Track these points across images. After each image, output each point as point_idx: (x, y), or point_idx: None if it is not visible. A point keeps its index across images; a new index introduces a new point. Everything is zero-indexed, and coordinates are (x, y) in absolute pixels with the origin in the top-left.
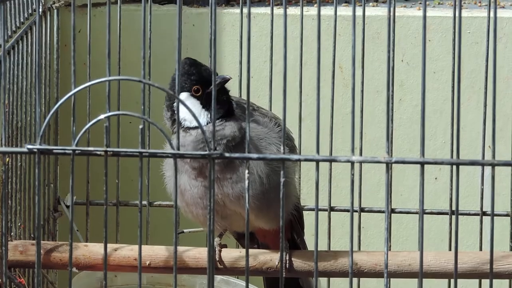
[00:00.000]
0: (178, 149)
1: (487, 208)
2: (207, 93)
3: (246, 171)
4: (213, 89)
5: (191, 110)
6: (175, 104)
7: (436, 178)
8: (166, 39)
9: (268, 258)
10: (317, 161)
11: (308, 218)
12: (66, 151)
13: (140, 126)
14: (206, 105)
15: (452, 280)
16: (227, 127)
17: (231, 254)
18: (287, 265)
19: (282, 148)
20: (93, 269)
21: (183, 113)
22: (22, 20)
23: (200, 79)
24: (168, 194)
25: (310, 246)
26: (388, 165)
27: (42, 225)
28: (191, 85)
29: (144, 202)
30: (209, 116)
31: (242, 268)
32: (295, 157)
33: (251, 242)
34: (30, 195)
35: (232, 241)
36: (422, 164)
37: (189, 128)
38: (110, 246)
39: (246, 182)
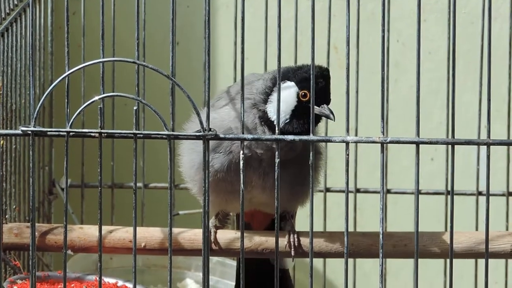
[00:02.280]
0: (173, 129)
1: (483, 188)
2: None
3: (241, 152)
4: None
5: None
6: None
7: (432, 159)
8: (160, 21)
9: (263, 239)
10: (312, 142)
11: None
12: (61, 133)
13: (134, 108)
14: (297, 112)
15: (448, 260)
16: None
17: (227, 235)
18: (295, 245)
19: (276, 128)
20: (88, 251)
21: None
22: (15, 2)
23: (317, 92)
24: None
25: (306, 227)
26: (383, 145)
27: (37, 208)
28: (305, 88)
29: (139, 184)
30: (288, 121)
31: (237, 250)
32: (289, 137)
33: (225, 219)
34: (25, 177)
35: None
36: (417, 144)
37: (268, 121)
38: (105, 228)
39: (241, 163)
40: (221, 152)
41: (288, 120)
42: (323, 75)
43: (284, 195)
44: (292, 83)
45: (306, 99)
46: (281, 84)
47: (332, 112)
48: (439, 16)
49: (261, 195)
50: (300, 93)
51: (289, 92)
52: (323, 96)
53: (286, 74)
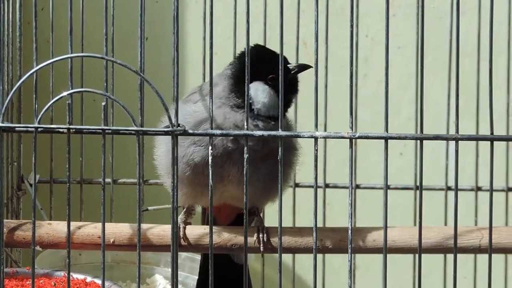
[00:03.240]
0: (142, 125)
1: (452, 183)
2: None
3: (210, 147)
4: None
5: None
6: (251, 91)
7: (401, 154)
8: (129, 16)
9: (232, 235)
10: (281, 137)
11: None
12: (29, 129)
13: (103, 103)
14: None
15: (417, 255)
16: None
17: (196, 231)
18: (264, 241)
19: (245, 124)
20: (56, 247)
21: (260, 97)
22: None
23: (274, 68)
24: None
25: (274, 222)
26: (352, 141)
27: (5, 204)
28: (266, 73)
29: (108, 180)
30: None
31: (206, 245)
32: (258, 133)
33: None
34: None
35: (196, 218)
36: (386, 139)
37: (261, 116)
38: (74, 224)
39: (210, 158)
40: (202, 146)
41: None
42: (259, 50)
43: (258, 190)
44: (257, 82)
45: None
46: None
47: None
48: (407, 11)
49: (236, 189)
50: (267, 81)
51: (262, 89)
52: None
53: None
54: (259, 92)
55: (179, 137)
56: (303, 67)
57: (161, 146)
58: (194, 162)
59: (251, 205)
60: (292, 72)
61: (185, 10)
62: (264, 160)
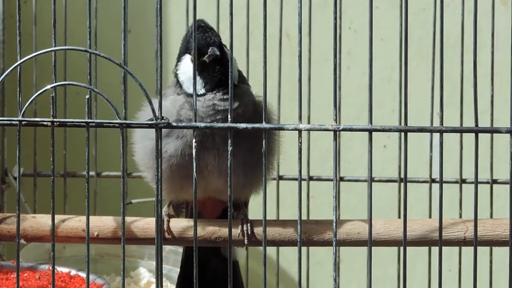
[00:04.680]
0: (126, 118)
1: (436, 175)
2: (201, 61)
3: (194, 140)
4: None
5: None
6: (178, 67)
7: (384, 146)
8: (112, 9)
9: (216, 228)
10: (265, 130)
11: None
12: (13, 122)
13: (87, 96)
14: (201, 73)
15: (402, 248)
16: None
17: (180, 224)
18: (249, 234)
19: (229, 116)
20: (41, 240)
21: (185, 77)
22: None
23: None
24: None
25: (259, 215)
26: (336, 133)
27: None
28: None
29: (92, 173)
30: (203, 84)
31: (190, 238)
32: (242, 125)
33: (179, 208)
34: None
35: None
36: (370, 131)
37: (189, 95)
38: (58, 217)
39: (194, 151)
40: (173, 137)
41: (202, 85)
42: (199, 27)
43: (240, 181)
44: (187, 54)
45: (202, 58)
46: (181, 60)
47: (215, 51)
48: (391, 3)
49: (217, 180)
50: (191, 57)
51: (188, 64)
52: (206, 44)
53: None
54: (189, 73)
55: (150, 130)
56: (212, 53)
57: (138, 141)
58: (168, 154)
59: (235, 198)
60: (205, 57)
61: (168, 3)
62: (239, 146)
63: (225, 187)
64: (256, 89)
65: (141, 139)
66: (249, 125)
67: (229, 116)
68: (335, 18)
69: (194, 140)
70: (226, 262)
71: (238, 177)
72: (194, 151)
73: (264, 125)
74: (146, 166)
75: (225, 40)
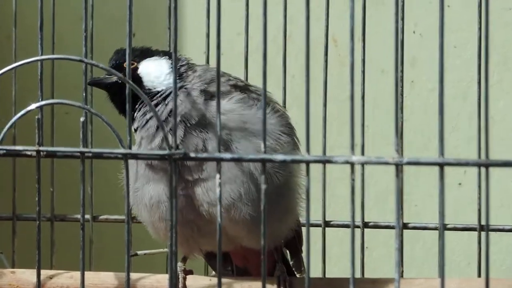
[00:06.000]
0: (130, 147)
1: None
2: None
3: (218, 176)
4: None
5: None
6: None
7: (460, 184)
8: (111, 7)
9: (245, 286)
10: (307, 162)
11: None
12: None
13: (82, 119)
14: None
15: None
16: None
17: (199, 282)
18: None
19: (262, 145)
20: None
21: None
22: None
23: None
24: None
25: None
26: (398, 167)
27: None
28: None
29: (87, 216)
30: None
31: None
32: (279, 157)
33: (223, 265)
34: None
35: (199, 264)
36: (442, 165)
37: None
38: (44, 272)
39: (218, 189)
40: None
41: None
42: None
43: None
44: None
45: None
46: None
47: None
48: (466, 1)
49: (227, 224)
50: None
51: None
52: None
53: None
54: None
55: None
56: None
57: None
58: (149, 200)
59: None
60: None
61: (182, 0)
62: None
63: (237, 231)
64: (294, 110)
65: (132, 174)
66: (288, 157)
67: (262, 146)
68: (397, 20)
69: (218, 176)
70: None
71: (249, 222)
72: (218, 190)
73: (307, 157)
74: (143, 220)
75: (257, 45)
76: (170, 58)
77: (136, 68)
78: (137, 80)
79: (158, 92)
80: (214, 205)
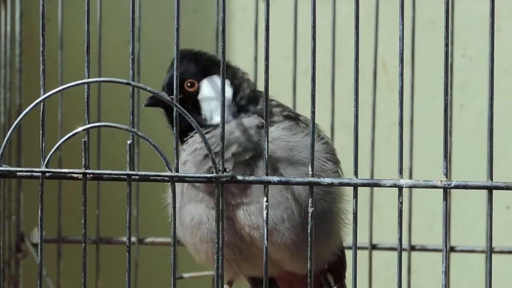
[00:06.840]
0: (177, 170)
1: None
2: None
3: (265, 199)
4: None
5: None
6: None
7: (507, 207)
8: (159, 30)
9: None
10: (355, 186)
11: None
12: (34, 174)
13: (128, 142)
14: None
15: None
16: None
17: None
18: None
19: (310, 168)
20: None
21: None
22: None
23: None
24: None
25: None
26: (447, 191)
27: (2, 269)
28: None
29: (133, 239)
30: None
31: None
32: (326, 180)
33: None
34: None
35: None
36: (490, 189)
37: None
38: None
39: (265, 212)
40: (195, 198)
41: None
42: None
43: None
44: None
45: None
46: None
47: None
48: None
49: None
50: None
51: None
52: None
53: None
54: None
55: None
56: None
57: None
58: (190, 221)
59: (304, 271)
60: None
61: (230, 22)
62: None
63: (281, 256)
64: (342, 133)
65: (179, 198)
66: (335, 180)
67: (309, 170)
68: (446, 44)
69: (265, 199)
70: None
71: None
72: (265, 212)
73: (354, 180)
74: (185, 241)
75: (306, 69)
76: (232, 79)
77: (197, 93)
78: (196, 106)
79: (213, 124)
80: (255, 228)
